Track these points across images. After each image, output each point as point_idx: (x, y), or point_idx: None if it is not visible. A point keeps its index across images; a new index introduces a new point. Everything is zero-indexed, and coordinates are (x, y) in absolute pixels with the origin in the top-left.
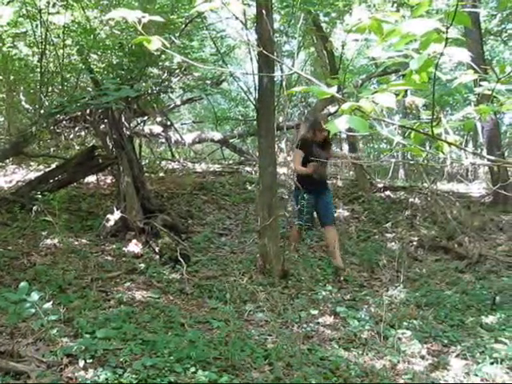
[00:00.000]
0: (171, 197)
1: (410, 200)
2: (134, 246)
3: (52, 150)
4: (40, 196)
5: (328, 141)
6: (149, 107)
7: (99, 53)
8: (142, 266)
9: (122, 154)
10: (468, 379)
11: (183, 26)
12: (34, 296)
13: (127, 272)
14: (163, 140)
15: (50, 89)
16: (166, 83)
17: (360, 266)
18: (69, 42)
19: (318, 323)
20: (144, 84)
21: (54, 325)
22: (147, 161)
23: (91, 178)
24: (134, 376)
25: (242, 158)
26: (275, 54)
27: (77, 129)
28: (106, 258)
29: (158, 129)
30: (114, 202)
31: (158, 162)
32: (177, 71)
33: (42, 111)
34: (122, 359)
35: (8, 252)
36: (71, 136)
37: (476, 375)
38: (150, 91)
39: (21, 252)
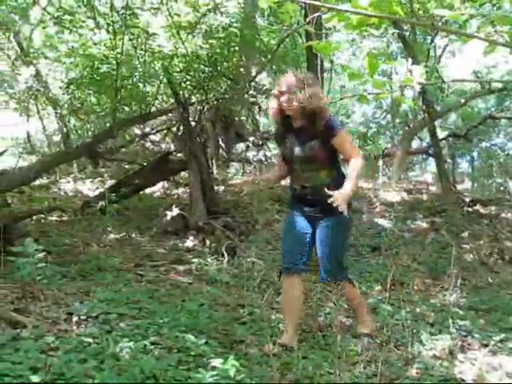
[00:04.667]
0: (246, 206)
1: (502, 215)
2: (189, 242)
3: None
4: (114, 198)
5: (314, 117)
6: (243, 128)
7: (182, 65)
8: (189, 257)
9: (193, 161)
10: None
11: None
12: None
13: (172, 262)
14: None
15: (124, 93)
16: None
17: (425, 273)
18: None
19: (348, 316)
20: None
21: (71, 292)
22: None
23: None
24: (118, 333)
25: None
26: None
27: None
28: (158, 251)
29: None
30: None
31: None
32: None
33: (116, 116)
34: (112, 317)
35: (71, 242)
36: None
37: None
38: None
39: (82, 242)
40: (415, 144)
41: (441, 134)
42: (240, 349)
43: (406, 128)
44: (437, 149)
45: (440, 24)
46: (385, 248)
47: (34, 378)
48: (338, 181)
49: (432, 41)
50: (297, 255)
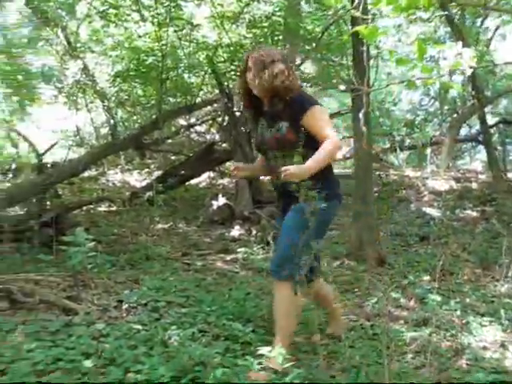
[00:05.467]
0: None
1: None
2: (235, 232)
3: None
4: (162, 188)
5: (278, 97)
6: None
7: (227, 55)
8: (235, 247)
9: (238, 150)
10: None
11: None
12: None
13: (219, 251)
14: None
15: (169, 85)
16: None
17: (475, 263)
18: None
19: (398, 306)
20: None
21: (120, 280)
22: None
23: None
24: (166, 321)
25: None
26: None
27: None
28: (204, 240)
29: None
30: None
31: None
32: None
33: (162, 107)
34: (160, 305)
35: (120, 232)
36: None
37: None
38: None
39: (131, 232)
40: (464, 131)
41: (491, 120)
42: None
43: (455, 115)
44: (487, 136)
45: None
46: (433, 237)
47: (87, 363)
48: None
49: (482, 23)
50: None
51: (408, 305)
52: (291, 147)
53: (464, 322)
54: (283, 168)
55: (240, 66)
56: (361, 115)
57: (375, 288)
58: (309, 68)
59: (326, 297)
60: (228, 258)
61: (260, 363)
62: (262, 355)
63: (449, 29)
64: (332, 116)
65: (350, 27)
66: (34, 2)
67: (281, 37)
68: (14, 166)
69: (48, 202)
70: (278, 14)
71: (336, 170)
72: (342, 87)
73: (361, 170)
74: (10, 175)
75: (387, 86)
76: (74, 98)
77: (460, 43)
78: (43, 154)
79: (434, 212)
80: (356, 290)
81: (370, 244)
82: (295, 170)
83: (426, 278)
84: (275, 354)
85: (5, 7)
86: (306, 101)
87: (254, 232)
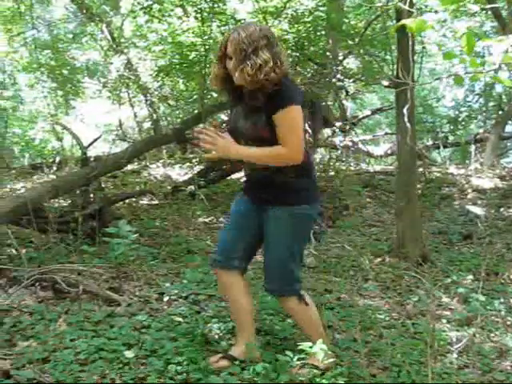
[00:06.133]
0: (332, 192)
1: None
2: None
3: None
4: (203, 183)
5: (262, 89)
6: (331, 115)
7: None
8: None
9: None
10: None
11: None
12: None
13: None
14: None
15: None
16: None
17: None
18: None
19: (440, 305)
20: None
21: (162, 272)
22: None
23: None
24: (206, 314)
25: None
26: None
27: None
28: None
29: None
30: None
31: (331, 164)
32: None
33: (204, 102)
34: (201, 298)
35: (161, 225)
36: None
37: None
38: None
39: (172, 226)
40: (509, 128)
41: None
42: (327, 334)
43: (500, 112)
44: None
45: None
46: (477, 236)
47: (128, 354)
48: (298, 167)
49: None
50: (232, 250)
51: (451, 304)
52: (267, 143)
53: (508, 323)
54: (209, 135)
55: (221, 48)
56: (405, 111)
57: (417, 286)
58: (351, 63)
59: (247, 306)
60: None
61: (300, 359)
62: (302, 351)
63: (495, 23)
64: (374, 112)
65: (393, 22)
66: None
67: (323, 32)
68: (58, 159)
69: (92, 195)
70: (321, 8)
71: (377, 167)
72: (385, 83)
73: (404, 167)
74: (55, 168)
75: (436, 79)
76: (118, 92)
77: (510, 36)
78: (87, 147)
79: (477, 210)
80: (397, 287)
81: (413, 242)
82: (222, 144)
83: (470, 277)
84: (316, 350)
85: (51, 3)
86: (286, 97)
87: None
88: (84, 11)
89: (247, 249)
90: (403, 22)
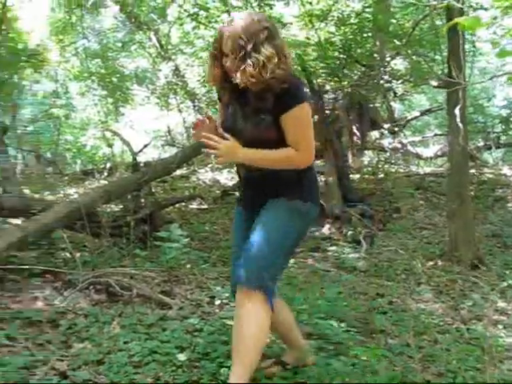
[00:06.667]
0: (382, 194)
1: None
2: (326, 230)
3: None
4: None
5: (268, 88)
6: (379, 117)
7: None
8: (326, 245)
9: (328, 148)
10: None
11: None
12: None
13: (310, 250)
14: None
15: None
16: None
17: None
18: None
19: (497, 310)
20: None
21: (213, 276)
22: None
23: None
24: None
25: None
26: None
27: None
28: None
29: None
30: None
31: (380, 166)
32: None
33: None
34: None
35: (211, 229)
36: None
37: None
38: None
39: (222, 229)
40: None
41: None
42: (380, 338)
43: None
44: None
45: None
46: None
47: (181, 357)
48: (300, 171)
49: None
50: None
51: (507, 309)
52: (270, 145)
53: None
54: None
55: (214, 44)
56: (457, 111)
57: (471, 290)
58: (399, 64)
59: (285, 321)
60: (319, 255)
61: (353, 364)
62: (356, 355)
63: None
64: (423, 113)
65: (443, 21)
66: (127, 7)
67: (370, 33)
68: (108, 165)
69: (143, 200)
70: (368, 10)
71: (427, 169)
72: (435, 83)
73: (456, 168)
74: (105, 174)
75: (490, 78)
76: (166, 98)
77: None
78: (138, 152)
79: None
80: (451, 291)
81: (466, 244)
82: (226, 148)
83: None
84: (370, 355)
85: (101, 13)
86: (296, 95)
87: (344, 231)
88: (132, 20)
89: None
90: (456, 20)
